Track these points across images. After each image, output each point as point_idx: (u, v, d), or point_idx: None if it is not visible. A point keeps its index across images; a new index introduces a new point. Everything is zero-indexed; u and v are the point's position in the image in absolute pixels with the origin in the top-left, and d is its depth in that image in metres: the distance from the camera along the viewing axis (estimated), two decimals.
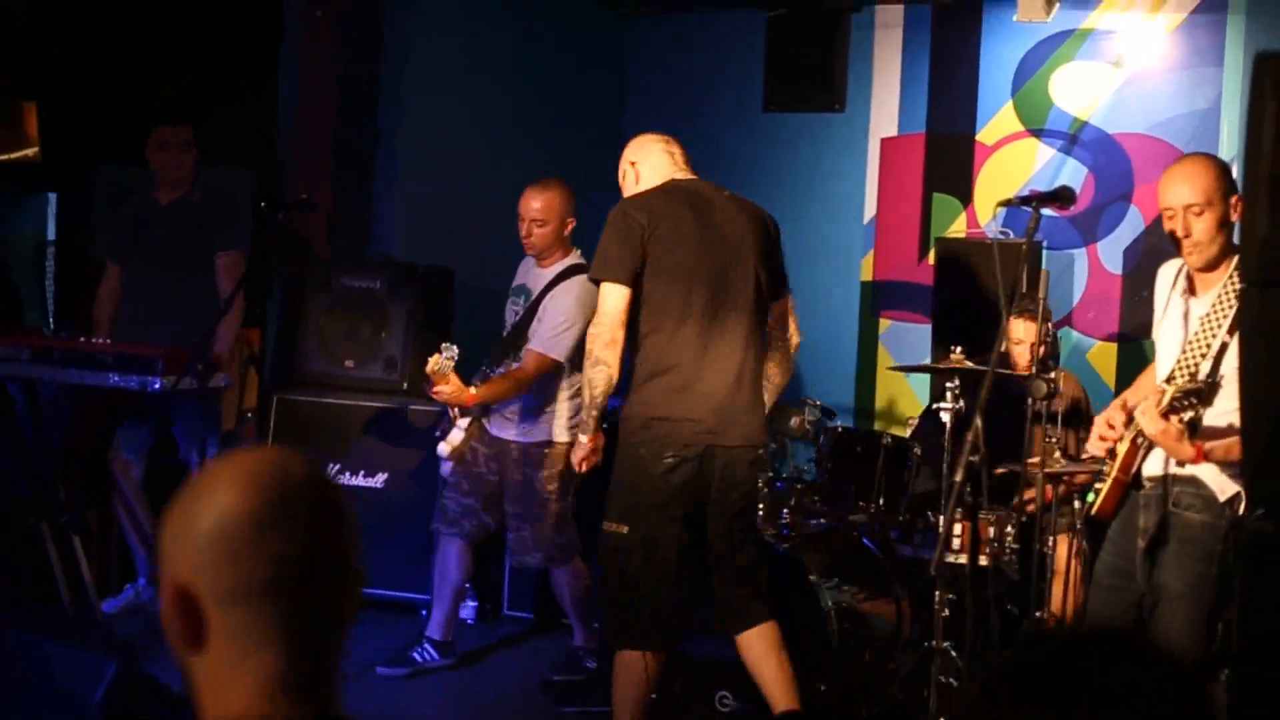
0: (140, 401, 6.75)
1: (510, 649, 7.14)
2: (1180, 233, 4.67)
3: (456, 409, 6.34)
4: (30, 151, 9.35)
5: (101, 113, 8.79)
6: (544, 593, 7.45)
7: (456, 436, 6.35)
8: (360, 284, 7.50)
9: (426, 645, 6.63)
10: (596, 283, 5.30)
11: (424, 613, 6.82)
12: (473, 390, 6.20)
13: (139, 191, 7.19)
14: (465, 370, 6.24)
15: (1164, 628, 4.69)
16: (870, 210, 8.18)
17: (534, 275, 6.49)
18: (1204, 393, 4.48)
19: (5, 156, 9.39)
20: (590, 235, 8.63)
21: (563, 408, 6.40)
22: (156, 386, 6.27)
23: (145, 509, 7.19)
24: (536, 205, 6.38)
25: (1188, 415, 4.51)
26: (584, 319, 6.18)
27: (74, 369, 6.43)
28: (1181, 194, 4.67)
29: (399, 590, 7.23)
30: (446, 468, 6.48)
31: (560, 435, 6.39)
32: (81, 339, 6.70)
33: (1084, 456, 5.50)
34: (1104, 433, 4.90)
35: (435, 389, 6.15)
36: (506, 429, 6.42)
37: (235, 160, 8.18)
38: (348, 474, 7.25)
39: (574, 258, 6.45)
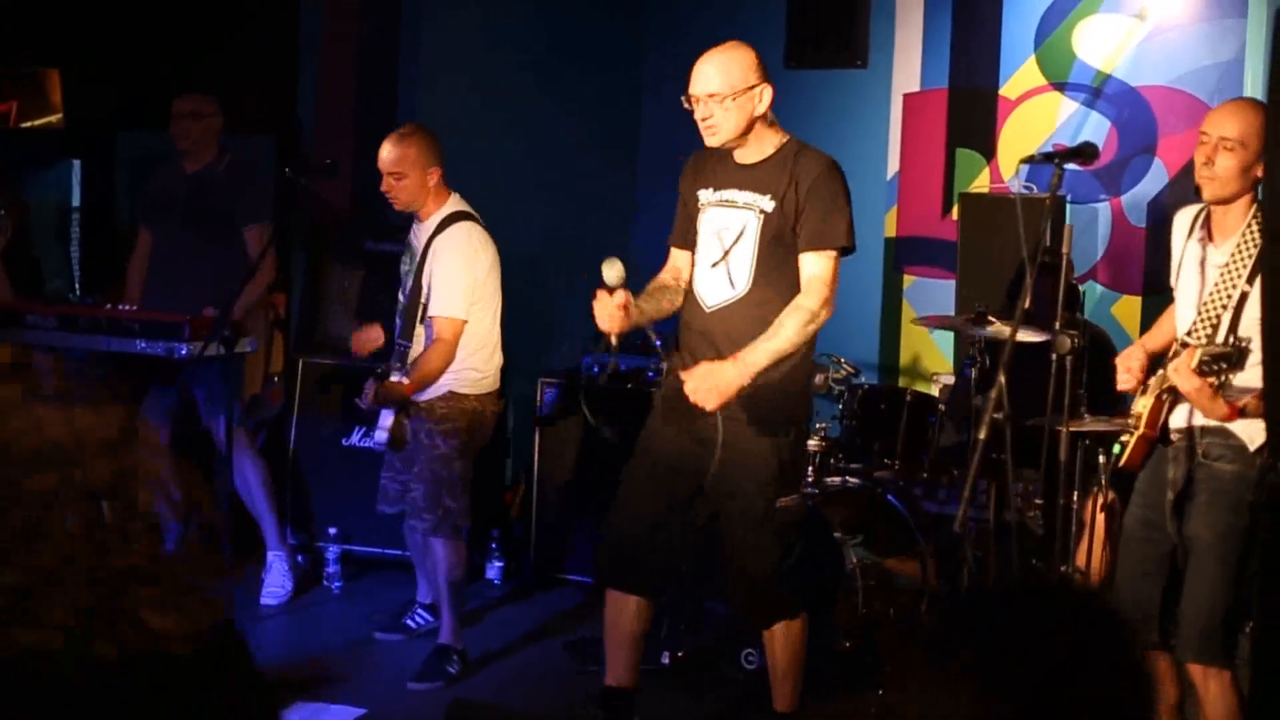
0: (166, 367, 6.77)
1: (534, 608, 7.17)
2: (1204, 158, 4.68)
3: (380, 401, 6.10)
4: (54, 118, 9.38)
5: (125, 79, 8.81)
6: (571, 551, 7.49)
7: (388, 420, 6.07)
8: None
9: (417, 610, 6.67)
10: (834, 249, 4.95)
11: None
12: (406, 382, 6.04)
13: (168, 159, 7.19)
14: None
15: (1197, 579, 4.69)
16: (893, 166, 8.15)
17: (415, 231, 6.27)
18: (1233, 357, 4.45)
19: (29, 124, 9.42)
20: (610, 203, 8.66)
21: (465, 363, 6.15)
22: (183, 353, 6.29)
23: (171, 474, 7.20)
24: (393, 157, 6.12)
25: (1216, 379, 4.49)
26: (468, 269, 6.09)
27: (101, 336, 6.45)
28: (1221, 124, 4.68)
29: None
30: (383, 449, 6.23)
31: (462, 388, 6.17)
32: (108, 306, 6.72)
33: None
34: (1127, 367, 4.89)
35: (376, 405, 6.05)
36: (428, 387, 6.14)
37: (257, 125, 8.18)
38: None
39: (451, 204, 6.22)
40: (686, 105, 5.01)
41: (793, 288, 4.95)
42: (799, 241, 4.96)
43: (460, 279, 6.09)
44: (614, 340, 4.99)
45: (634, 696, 5.36)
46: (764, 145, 5.05)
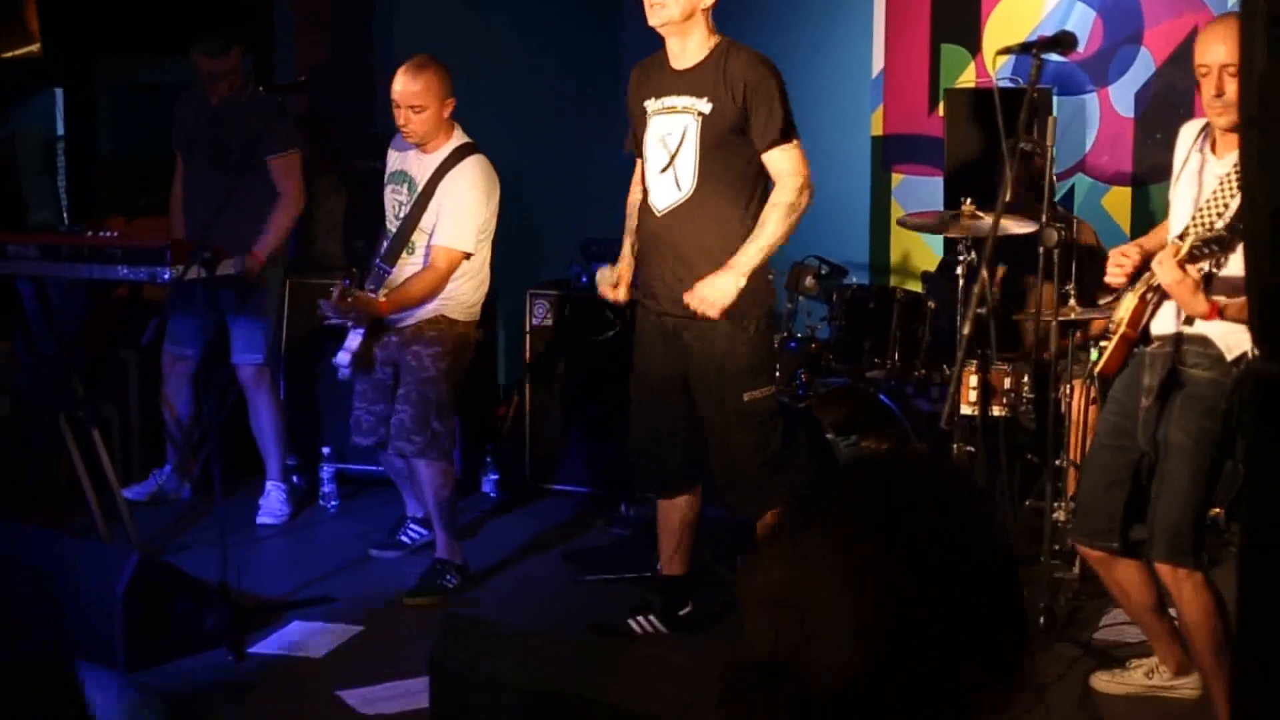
0: (189, 294, 6.75)
1: (530, 519, 7.18)
2: (1213, 90, 4.57)
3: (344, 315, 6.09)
4: (33, 48, 9.30)
5: (101, 5, 8.73)
6: (565, 462, 7.50)
7: (355, 341, 6.09)
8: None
9: (410, 525, 6.68)
10: (788, 141, 5.14)
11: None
12: (382, 298, 6.06)
13: (195, 87, 7.12)
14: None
15: (1168, 481, 4.68)
16: (878, 64, 8.08)
17: (416, 161, 6.22)
18: (1225, 240, 4.41)
19: (7, 54, 9.34)
20: (594, 102, 8.59)
21: (459, 289, 6.17)
22: (166, 277, 6.26)
23: (190, 401, 7.20)
24: (413, 89, 6.05)
25: (1205, 265, 4.45)
26: (484, 204, 6.12)
27: (83, 263, 6.42)
28: (1219, 52, 4.55)
29: None
30: (345, 374, 6.21)
31: (452, 313, 6.18)
32: (89, 233, 6.69)
33: (1100, 300, 5.46)
34: (1118, 261, 4.85)
35: (343, 314, 6.05)
36: (402, 316, 6.16)
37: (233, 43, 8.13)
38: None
39: (458, 137, 6.21)
40: None
41: (736, 184, 5.20)
42: (756, 144, 5.14)
43: (475, 214, 6.10)
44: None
45: (687, 582, 5.72)
46: (700, 48, 5.21)
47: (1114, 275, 4.91)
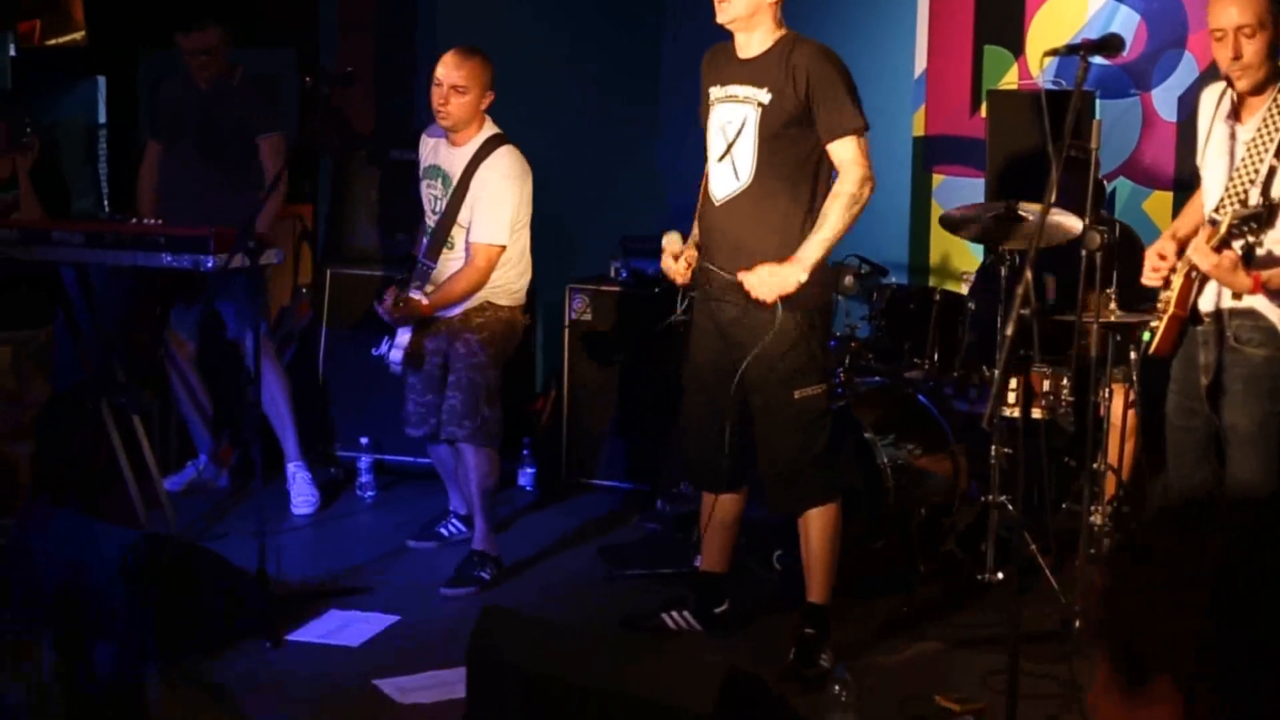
0: (190, 281, 6.79)
1: (566, 514, 7.20)
2: (1230, 54, 4.62)
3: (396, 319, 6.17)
4: (78, 35, 9.34)
5: None
6: (602, 457, 7.51)
7: (405, 337, 6.14)
8: (407, 156, 7.46)
9: (452, 519, 6.70)
10: (854, 133, 5.10)
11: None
12: (425, 301, 6.11)
13: (181, 74, 7.17)
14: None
15: (1238, 468, 4.68)
16: (921, 65, 8.07)
17: (448, 155, 6.25)
18: (1263, 216, 4.42)
19: (53, 41, 9.39)
20: (636, 97, 8.59)
21: (503, 276, 6.22)
22: (210, 265, 6.29)
23: (203, 387, 7.26)
24: (460, 72, 6.08)
25: (1245, 242, 4.45)
26: (516, 194, 6.14)
27: (127, 250, 6.46)
28: (1231, 15, 4.62)
29: None
30: (397, 369, 6.25)
31: (498, 299, 6.24)
32: (134, 220, 6.73)
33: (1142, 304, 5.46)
34: (1155, 264, 4.86)
35: (394, 318, 6.10)
36: (448, 309, 6.22)
37: (278, 38, 8.16)
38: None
39: (489, 128, 6.23)
40: None
41: (794, 177, 5.16)
42: (821, 136, 5.11)
43: (508, 206, 6.13)
44: (678, 311, 5.62)
45: (725, 580, 5.71)
46: (765, 39, 5.20)
47: (1150, 278, 4.92)
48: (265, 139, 6.92)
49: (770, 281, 5.05)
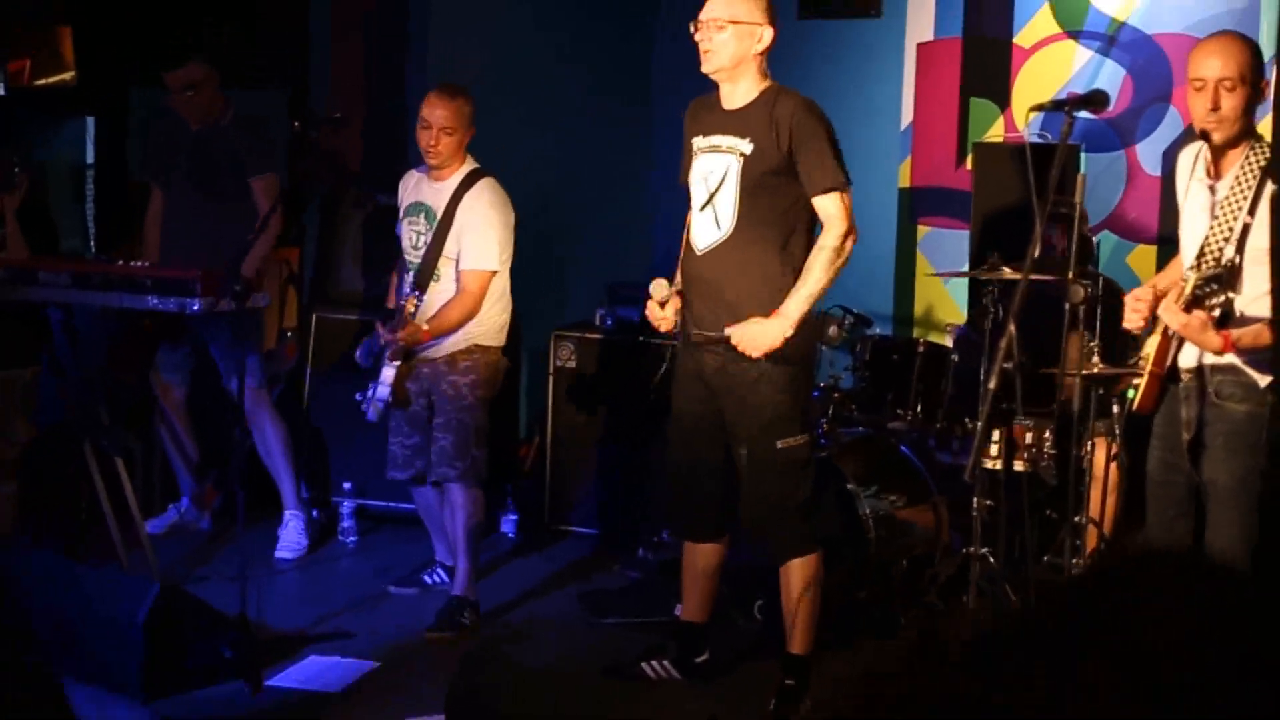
0: (175, 324, 6.79)
1: (548, 560, 7.19)
2: (1209, 104, 4.64)
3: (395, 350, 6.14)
4: (67, 76, 9.37)
5: (136, 35, 8.79)
6: (584, 504, 7.50)
7: (390, 374, 6.12)
8: (393, 200, 7.47)
9: (437, 568, 6.69)
10: (838, 188, 5.13)
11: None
12: (425, 327, 6.11)
13: (172, 115, 7.18)
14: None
15: (1218, 524, 4.68)
16: (907, 116, 8.12)
17: (431, 190, 6.31)
18: (1224, 277, 4.46)
19: (42, 81, 9.41)
20: (623, 155, 8.62)
21: (486, 315, 6.23)
22: (195, 308, 6.28)
23: (188, 430, 7.26)
24: (444, 113, 6.18)
25: (1215, 302, 4.48)
26: (502, 223, 6.18)
27: (113, 292, 6.45)
28: (1214, 66, 4.64)
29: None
30: (374, 416, 6.23)
31: (485, 340, 6.26)
32: (120, 262, 6.73)
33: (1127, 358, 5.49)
34: (1134, 306, 4.88)
35: (395, 337, 6.09)
36: (434, 348, 6.23)
37: (268, 80, 8.18)
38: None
39: (470, 163, 6.31)
40: (693, 30, 5.19)
41: (776, 226, 5.19)
42: (806, 189, 5.15)
43: (496, 233, 6.18)
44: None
45: (706, 629, 5.69)
46: (750, 90, 5.24)
47: (1131, 320, 4.94)
48: (258, 179, 6.91)
49: (758, 338, 5.07)
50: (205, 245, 6.75)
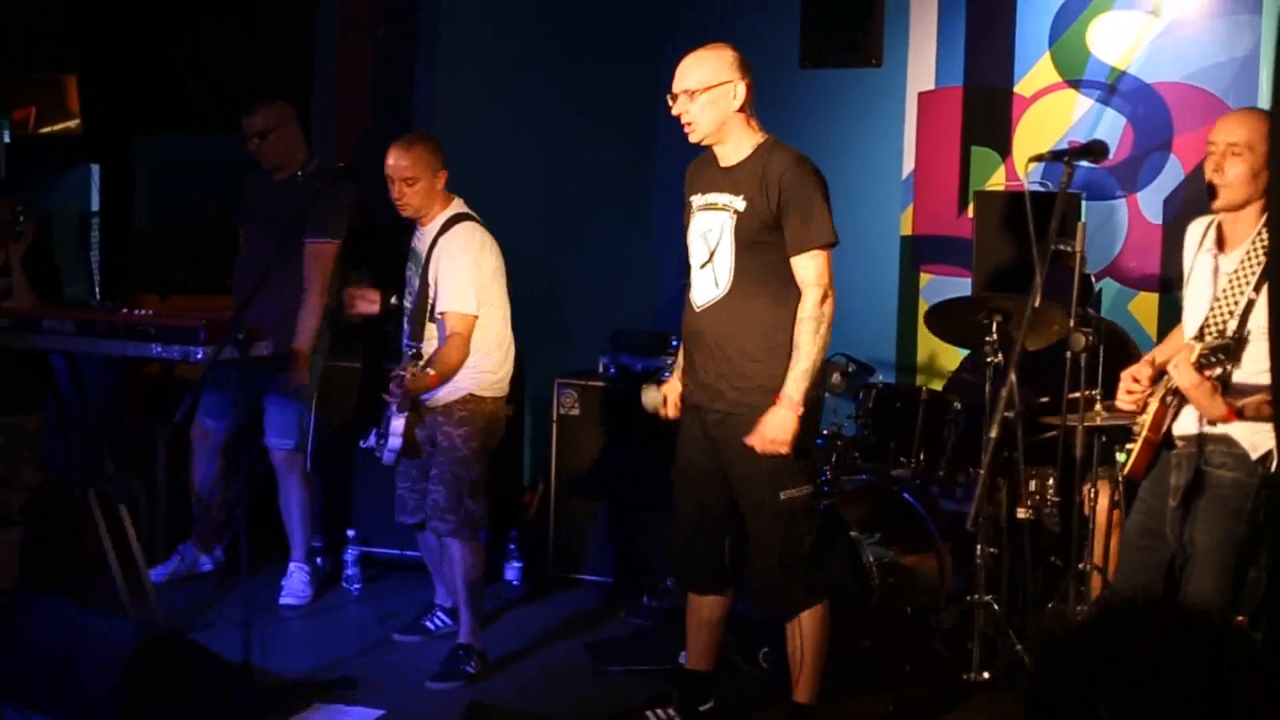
0: (223, 371, 6.79)
1: (553, 608, 7.19)
2: (1213, 167, 4.72)
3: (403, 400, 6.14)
4: (72, 124, 9.43)
5: (140, 83, 8.85)
6: (589, 552, 7.51)
7: (400, 425, 6.14)
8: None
9: (437, 612, 6.70)
10: (817, 248, 5.11)
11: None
12: (430, 372, 6.09)
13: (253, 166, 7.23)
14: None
15: (1193, 583, 4.71)
16: (909, 165, 8.15)
17: (418, 236, 6.35)
18: (1231, 349, 4.50)
19: (48, 129, 9.47)
20: (626, 200, 8.65)
21: (480, 363, 6.23)
22: (199, 356, 6.30)
23: (211, 476, 7.25)
24: (404, 163, 6.18)
25: (1217, 372, 4.52)
26: (475, 267, 6.18)
27: (117, 340, 6.47)
28: (1228, 131, 4.74)
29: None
30: (389, 458, 6.26)
31: (481, 390, 6.25)
32: (124, 310, 6.75)
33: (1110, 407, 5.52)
34: (1129, 387, 4.92)
35: (403, 388, 6.07)
36: (433, 396, 6.23)
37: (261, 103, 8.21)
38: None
39: (454, 207, 6.31)
40: (670, 104, 5.22)
41: (772, 282, 5.19)
42: (787, 246, 5.15)
43: (469, 275, 6.17)
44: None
45: (711, 678, 5.68)
46: (742, 146, 5.25)
47: (1124, 400, 4.98)
48: (312, 243, 6.93)
49: (776, 433, 5.07)
50: (266, 294, 6.74)
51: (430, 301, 6.21)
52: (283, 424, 6.98)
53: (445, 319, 6.15)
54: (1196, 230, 4.97)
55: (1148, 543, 4.89)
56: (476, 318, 6.17)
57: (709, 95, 5.13)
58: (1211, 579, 4.65)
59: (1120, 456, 5.01)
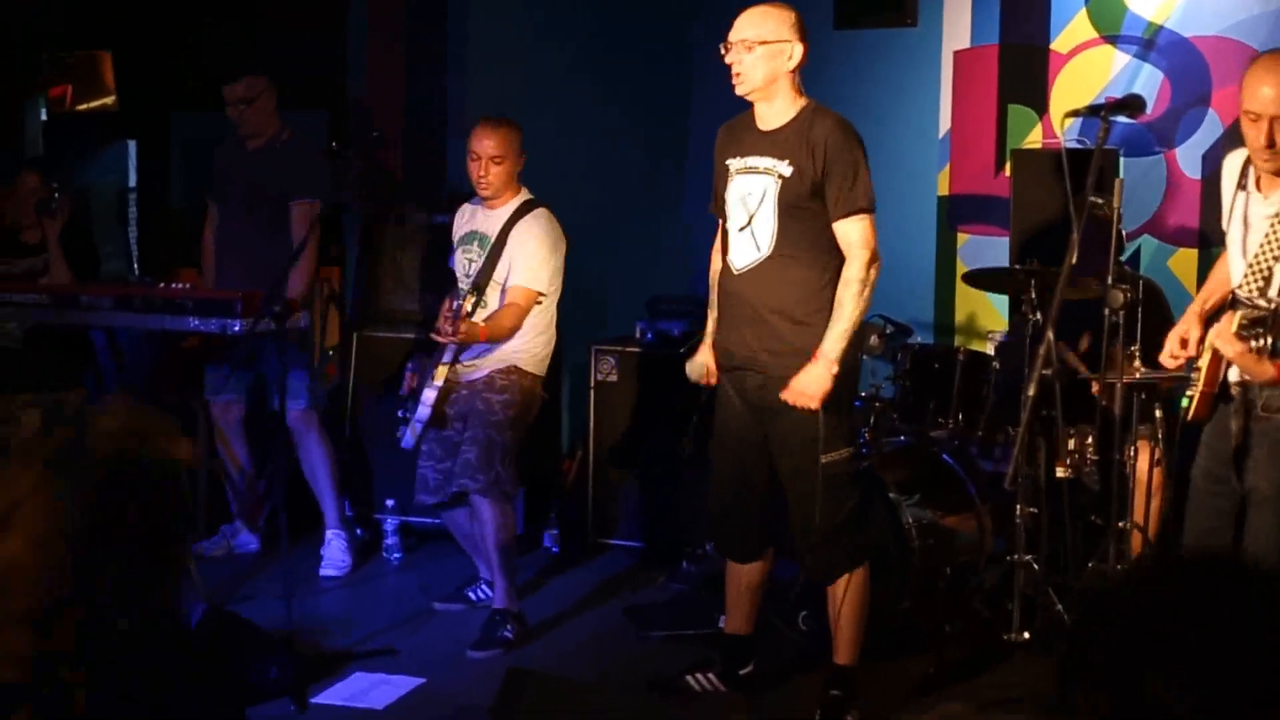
0: (219, 344, 6.82)
1: (592, 574, 7.21)
2: (1263, 140, 4.51)
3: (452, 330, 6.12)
4: (108, 100, 9.47)
5: (176, 59, 8.87)
6: (627, 517, 7.51)
7: (431, 396, 6.17)
8: (435, 220, 7.52)
9: (481, 584, 6.70)
10: (861, 213, 5.11)
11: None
12: (481, 325, 6.13)
13: (230, 135, 7.21)
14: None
15: (1254, 531, 4.66)
16: (945, 124, 8.09)
17: (485, 219, 6.37)
18: (1268, 321, 4.40)
19: (85, 106, 9.51)
20: (659, 172, 8.63)
21: (531, 342, 6.29)
22: (236, 329, 6.33)
23: (242, 450, 7.28)
24: (491, 143, 6.24)
25: (1259, 344, 4.43)
26: (552, 253, 6.26)
27: (155, 314, 6.50)
28: (1266, 99, 4.49)
29: None
30: (409, 441, 6.29)
31: (527, 366, 6.30)
32: (162, 284, 6.77)
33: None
34: (1175, 350, 4.86)
35: (454, 330, 6.07)
36: (475, 371, 6.29)
37: (309, 101, 8.22)
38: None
39: (524, 194, 6.38)
40: (723, 52, 5.19)
41: (814, 247, 5.17)
42: (830, 211, 5.14)
43: (550, 260, 6.26)
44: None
45: (750, 642, 5.71)
46: (786, 110, 5.22)
47: (1169, 363, 4.94)
48: (297, 204, 6.91)
49: (809, 388, 5.05)
50: (255, 266, 6.77)
51: (497, 280, 6.25)
52: (291, 386, 6.94)
53: (511, 290, 6.21)
54: (1234, 163, 4.83)
55: (1212, 487, 4.83)
56: (542, 297, 6.22)
57: (766, 49, 5.11)
58: (1274, 524, 4.59)
59: (1184, 402, 4.94)
